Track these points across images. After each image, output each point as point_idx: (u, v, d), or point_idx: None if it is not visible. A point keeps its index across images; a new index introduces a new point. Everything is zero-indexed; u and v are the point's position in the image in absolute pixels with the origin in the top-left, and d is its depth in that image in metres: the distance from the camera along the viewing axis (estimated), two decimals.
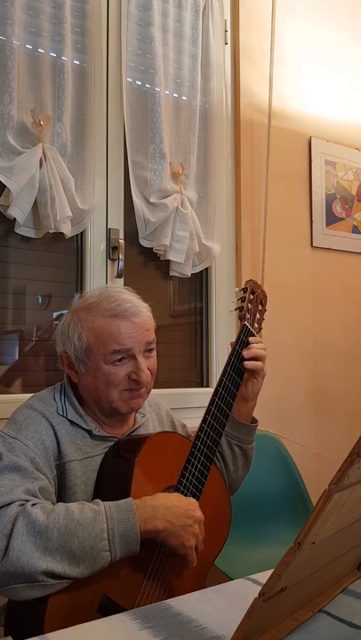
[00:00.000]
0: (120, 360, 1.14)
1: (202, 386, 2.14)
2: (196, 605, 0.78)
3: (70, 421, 1.15)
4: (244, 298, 1.32)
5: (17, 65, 1.63)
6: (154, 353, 1.20)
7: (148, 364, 1.17)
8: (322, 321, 2.37)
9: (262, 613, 0.57)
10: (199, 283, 2.18)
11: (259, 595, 0.55)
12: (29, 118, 1.66)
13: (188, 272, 2.04)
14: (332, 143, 2.43)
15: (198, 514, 1.06)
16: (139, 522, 0.98)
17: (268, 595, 0.55)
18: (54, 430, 1.12)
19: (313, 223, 2.36)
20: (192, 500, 1.09)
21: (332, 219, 2.41)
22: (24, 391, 1.76)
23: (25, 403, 1.18)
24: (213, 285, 2.15)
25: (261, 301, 1.37)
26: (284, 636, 0.65)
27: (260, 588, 0.55)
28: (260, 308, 1.36)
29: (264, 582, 0.55)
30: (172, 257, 1.94)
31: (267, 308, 1.39)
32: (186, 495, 1.11)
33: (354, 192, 2.50)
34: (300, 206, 2.34)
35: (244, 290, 1.34)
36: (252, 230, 2.19)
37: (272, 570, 0.55)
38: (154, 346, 1.20)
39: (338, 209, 2.44)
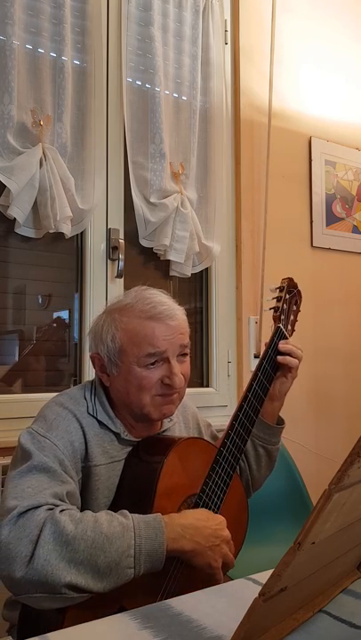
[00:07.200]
0: (153, 363, 1.10)
1: (202, 386, 2.14)
2: (196, 605, 0.78)
3: (99, 422, 1.12)
4: (280, 297, 1.25)
5: (17, 65, 1.63)
6: (187, 358, 1.16)
7: (181, 369, 1.12)
8: (322, 321, 2.36)
9: (262, 613, 0.57)
10: (199, 283, 2.18)
11: (259, 595, 0.55)
12: (29, 118, 1.66)
13: (188, 272, 2.04)
14: (332, 143, 2.43)
15: (226, 533, 1.04)
16: (166, 541, 0.96)
17: (268, 595, 0.55)
18: (84, 432, 1.09)
19: (313, 223, 2.35)
20: (220, 519, 1.06)
21: (332, 219, 2.41)
22: (24, 391, 1.76)
23: (55, 399, 1.14)
24: (213, 285, 2.15)
25: (296, 302, 1.30)
26: (284, 635, 0.65)
27: (260, 587, 0.55)
28: (295, 308, 1.29)
29: (264, 582, 0.55)
30: (172, 257, 1.94)
31: (300, 309, 1.32)
32: (207, 503, 1.09)
33: (354, 192, 2.50)
34: (301, 206, 2.34)
35: (281, 289, 1.27)
36: (252, 230, 2.19)
37: (272, 570, 0.55)
38: (188, 350, 1.16)
39: (338, 209, 2.44)
